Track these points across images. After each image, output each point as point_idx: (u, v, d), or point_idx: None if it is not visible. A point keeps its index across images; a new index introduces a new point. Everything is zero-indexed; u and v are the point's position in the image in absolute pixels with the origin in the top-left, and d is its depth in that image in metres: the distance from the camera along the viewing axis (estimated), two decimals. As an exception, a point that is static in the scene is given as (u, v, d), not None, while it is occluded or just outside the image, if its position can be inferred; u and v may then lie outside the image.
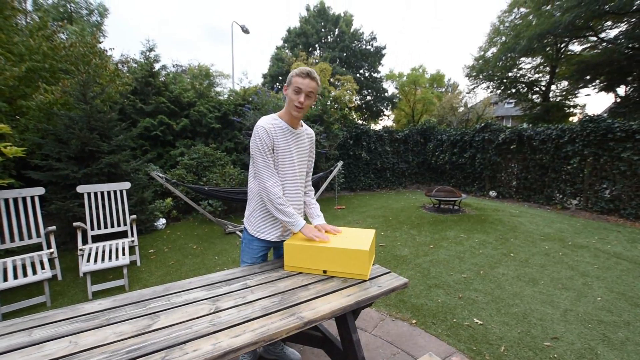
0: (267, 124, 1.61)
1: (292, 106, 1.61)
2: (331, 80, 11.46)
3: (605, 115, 7.17)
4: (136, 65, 7.48)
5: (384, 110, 24.85)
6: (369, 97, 23.56)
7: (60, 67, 4.67)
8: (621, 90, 14.15)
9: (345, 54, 21.28)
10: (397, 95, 23.87)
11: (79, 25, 11.04)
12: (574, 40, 14.41)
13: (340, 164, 6.49)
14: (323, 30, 21.64)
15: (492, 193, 8.60)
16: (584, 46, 14.50)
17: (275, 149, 1.63)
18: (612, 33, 12.82)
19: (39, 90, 4.16)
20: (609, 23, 12.63)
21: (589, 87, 14.88)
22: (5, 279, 2.55)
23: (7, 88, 3.74)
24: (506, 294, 2.98)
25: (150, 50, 8.90)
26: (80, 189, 3.47)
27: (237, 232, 4.93)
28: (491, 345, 2.22)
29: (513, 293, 2.99)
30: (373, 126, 12.56)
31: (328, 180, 6.31)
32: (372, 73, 23.13)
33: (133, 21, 42.94)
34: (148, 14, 46.78)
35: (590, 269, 3.57)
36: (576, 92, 15.99)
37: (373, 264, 1.74)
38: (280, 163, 1.66)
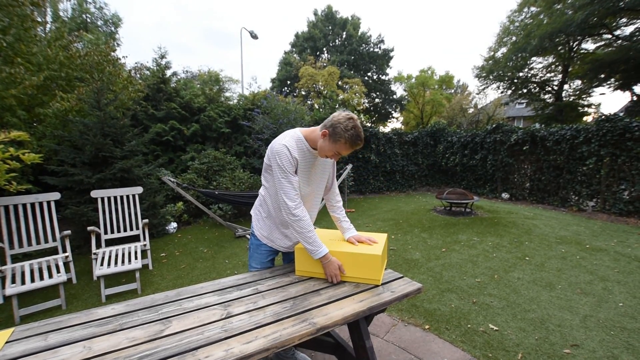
0: (292, 145, 1.54)
1: (323, 155, 1.58)
2: (339, 83, 11.47)
3: (621, 114, 6.95)
4: (148, 72, 7.64)
5: (393, 112, 24.79)
6: (377, 100, 23.54)
7: (76, 76, 4.80)
8: (638, 88, 13.74)
9: (353, 57, 21.32)
10: (406, 97, 23.77)
11: (94, 35, 11.35)
12: (587, 39, 14.10)
13: (349, 167, 6.47)
14: (331, 34, 21.75)
15: (505, 195, 8.43)
16: (598, 44, 14.17)
17: (297, 169, 1.59)
18: (628, 30, 12.51)
19: (56, 98, 4.27)
20: (624, 20, 12.32)
21: (603, 86, 14.52)
22: (23, 282, 2.62)
23: (26, 97, 3.86)
24: (522, 298, 2.89)
25: (162, 57, 9.07)
26: (94, 193, 3.55)
27: (247, 236, 4.95)
28: (508, 352, 2.15)
29: (529, 298, 2.90)
30: (382, 128, 12.47)
31: (337, 183, 6.29)
32: (380, 75, 23.13)
33: (142, 28, 44.07)
34: (157, 20, 47.91)
35: (611, 274, 3.44)
36: (590, 91, 15.60)
37: (385, 269, 1.71)
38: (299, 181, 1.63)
